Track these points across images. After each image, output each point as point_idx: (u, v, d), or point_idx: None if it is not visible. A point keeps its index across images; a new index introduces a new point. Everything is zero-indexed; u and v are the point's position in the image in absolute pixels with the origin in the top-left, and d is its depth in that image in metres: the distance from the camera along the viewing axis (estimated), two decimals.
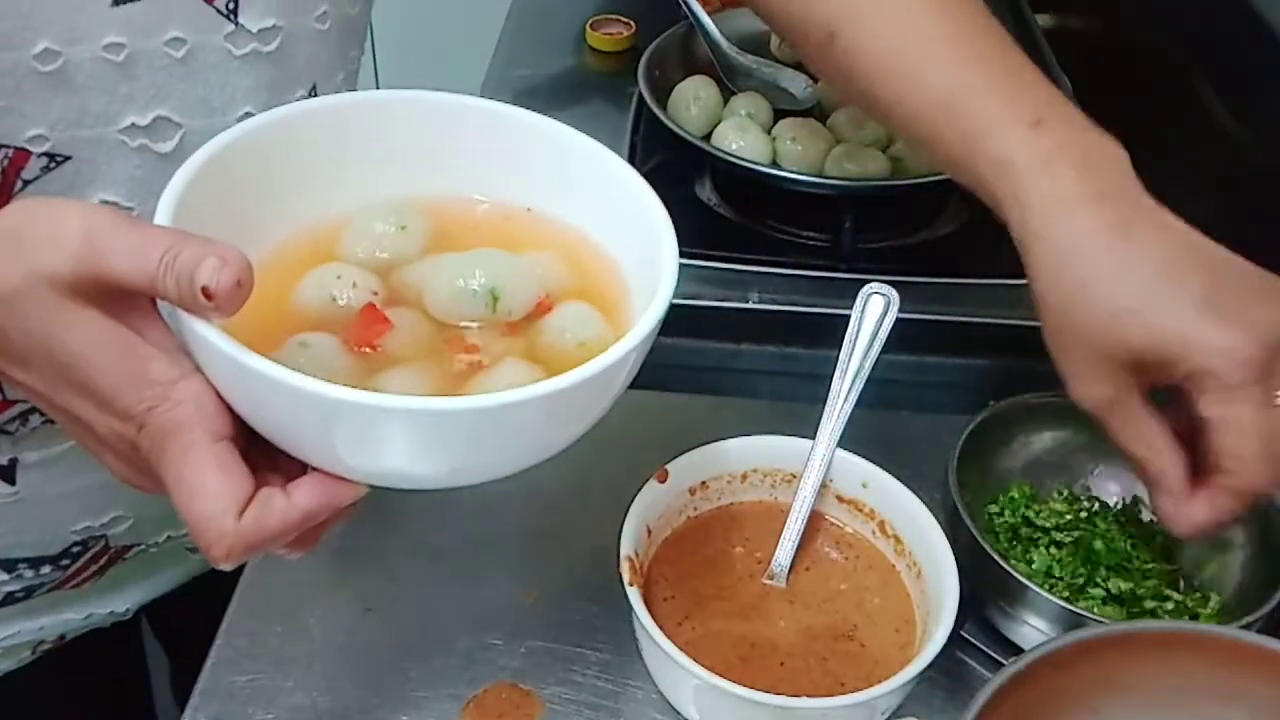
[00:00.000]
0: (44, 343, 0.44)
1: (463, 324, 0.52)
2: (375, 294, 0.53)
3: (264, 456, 0.46)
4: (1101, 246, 0.57)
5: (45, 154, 0.58)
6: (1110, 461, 0.71)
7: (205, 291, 0.42)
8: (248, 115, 0.64)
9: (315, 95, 0.69)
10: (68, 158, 0.59)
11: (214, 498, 0.44)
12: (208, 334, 0.43)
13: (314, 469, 0.46)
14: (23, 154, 0.58)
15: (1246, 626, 0.60)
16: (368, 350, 0.50)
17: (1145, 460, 0.59)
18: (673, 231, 0.52)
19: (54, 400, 0.47)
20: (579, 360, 0.46)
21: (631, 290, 0.54)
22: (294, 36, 0.65)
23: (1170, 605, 0.65)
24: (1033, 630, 0.62)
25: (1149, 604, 0.65)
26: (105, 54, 0.57)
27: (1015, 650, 0.63)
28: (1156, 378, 0.58)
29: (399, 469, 0.46)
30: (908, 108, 0.65)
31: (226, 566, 0.45)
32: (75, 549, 0.73)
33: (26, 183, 0.59)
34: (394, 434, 0.44)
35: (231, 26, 0.61)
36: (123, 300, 0.45)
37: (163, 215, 0.46)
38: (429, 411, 0.43)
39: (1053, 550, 0.68)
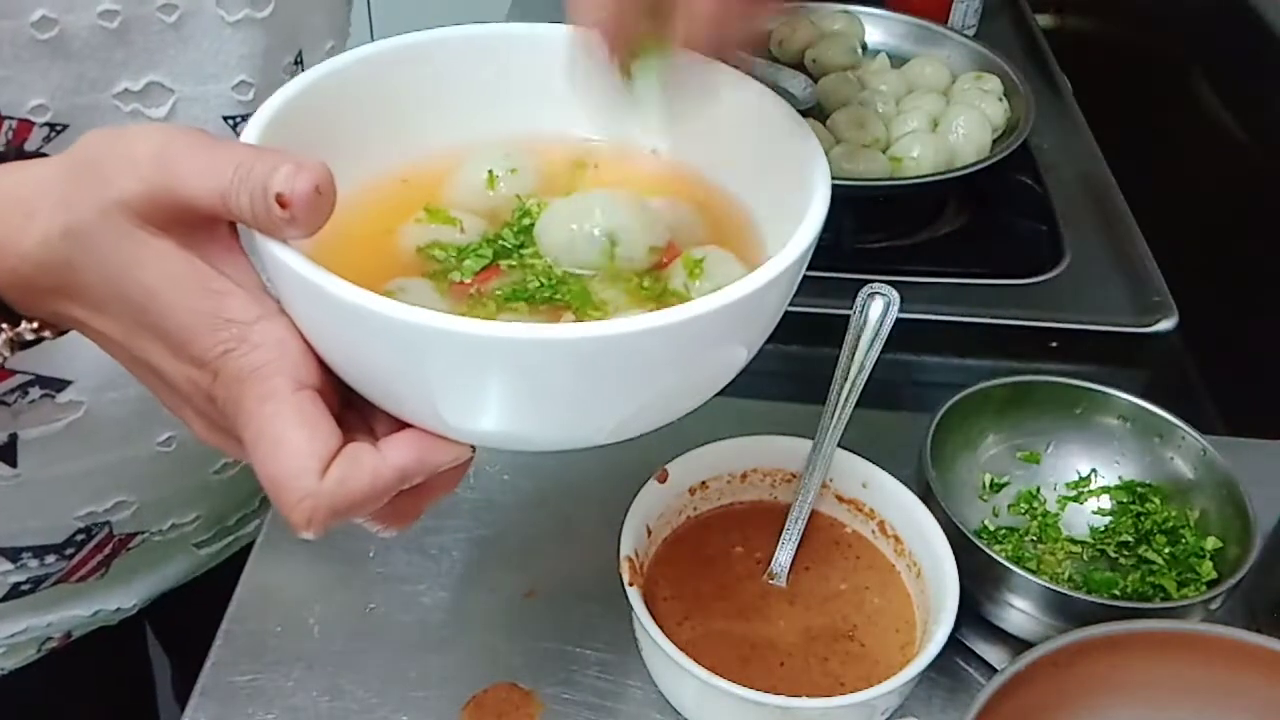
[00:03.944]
0: (118, 279, 0.40)
1: (578, 271, 0.47)
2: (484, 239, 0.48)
3: (357, 418, 0.42)
4: None
5: (46, 124, 0.59)
6: (1062, 438, 0.73)
7: (280, 199, 0.37)
8: (243, 83, 0.64)
9: (301, 63, 0.69)
10: (66, 126, 0.59)
11: (295, 454, 0.38)
12: (286, 257, 0.38)
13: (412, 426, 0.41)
14: (26, 125, 0.58)
15: (1213, 599, 0.61)
16: (472, 293, 0.45)
17: None
18: (824, 155, 0.46)
19: (131, 349, 0.42)
20: None
21: (767, 243, 0.49)
22: (285, 1, 0.64)
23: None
24: (1017, 612, 0.63)
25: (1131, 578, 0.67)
26: (100, 20, 0.58)
27: (1014, 646, 0.63)
28: None
29: (505, 419, 0.40)
30: None
31: (309, 534, 0.39)
32: (79, 536, 0.74)
33: (29, 155, 0.59)
34: (500, 372, 0.38)
35: None
36: (201, 229, 0.40)
37: (248, 139, 0.43)
38: (541, 341, 0.37)
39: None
